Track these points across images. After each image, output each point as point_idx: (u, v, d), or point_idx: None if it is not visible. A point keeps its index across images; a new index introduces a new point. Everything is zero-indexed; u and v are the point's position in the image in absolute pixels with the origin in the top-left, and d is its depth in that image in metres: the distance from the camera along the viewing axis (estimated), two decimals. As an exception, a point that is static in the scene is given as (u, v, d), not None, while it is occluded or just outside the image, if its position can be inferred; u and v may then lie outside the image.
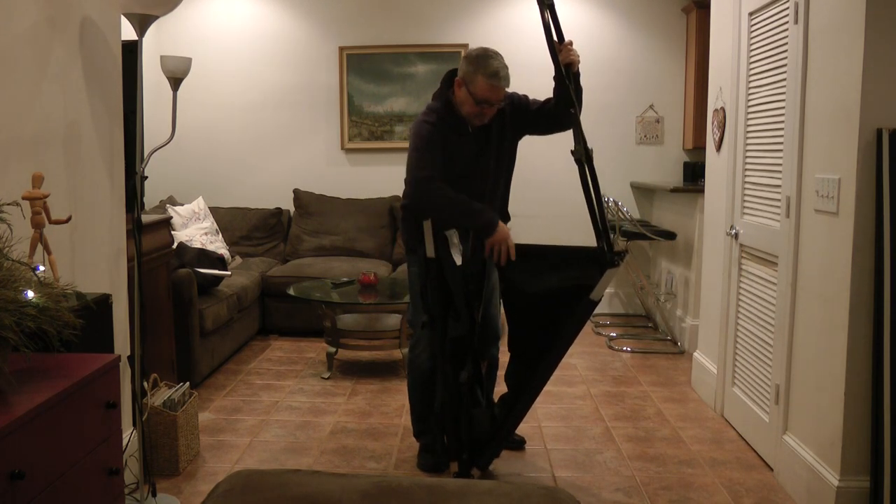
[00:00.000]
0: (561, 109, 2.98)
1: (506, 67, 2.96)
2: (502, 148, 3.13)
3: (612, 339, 5.39)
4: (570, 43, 2.95)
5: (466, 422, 3.02)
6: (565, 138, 3.01)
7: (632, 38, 6.13)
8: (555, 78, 2.96)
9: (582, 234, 6.19)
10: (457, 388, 3.00)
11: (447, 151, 3.00)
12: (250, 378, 4.51)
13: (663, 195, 5.74)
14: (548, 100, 3.12)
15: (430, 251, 2.97)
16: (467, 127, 3.05)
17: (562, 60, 2.91)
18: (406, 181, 3.07)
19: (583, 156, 2.79)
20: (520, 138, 3.20)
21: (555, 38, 2.93)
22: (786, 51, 3.15)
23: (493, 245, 2.92)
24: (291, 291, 4.75)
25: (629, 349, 5.16)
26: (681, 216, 5.32)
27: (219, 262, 4.80)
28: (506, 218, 3.20)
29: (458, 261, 2.99)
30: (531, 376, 2.92)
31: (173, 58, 2.84)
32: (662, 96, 6.15)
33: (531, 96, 3.19)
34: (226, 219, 6.01)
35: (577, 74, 2.98)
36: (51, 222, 2.22)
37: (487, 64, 2.92)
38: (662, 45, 6.12)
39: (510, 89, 3.09)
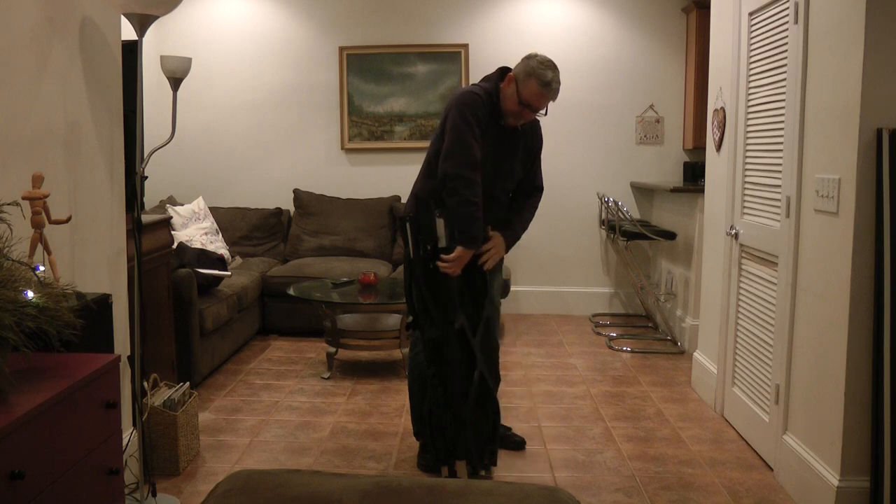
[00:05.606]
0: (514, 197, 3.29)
1: (559, 83, 3.05)
2: (518, 160, 3.22)
3: (612, 339, 5.39)
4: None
5: (451, 424, 3.02)
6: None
7: (632, 38, 6.13)
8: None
9: (582, 232, 6.21)
10: (440, 390, 3.01)
11: (483, 133, 3.08)
12: (250, 378, 4.51)
13: (663, 195, 5.74)
14: (524, 192, 3.33)
15: (412, 251, 2.99)
16: (502, 120, 3.13)
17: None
18: (442, 159, 3.00)
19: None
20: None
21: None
22: (786, 51, 3.15)
23: (485, 254, 3.07)
24: (291, 291, 4.74)
25: (629, 349, 5.16)
26: (681, 216, 5.32)
27: (219, 262, 4.80)
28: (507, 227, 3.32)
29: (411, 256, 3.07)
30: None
31: (173, 58, 2.83)
32: (662, 96, 6.14)
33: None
34: (226, 219, 6.01)
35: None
36: (51, 222, 2.22)
37: (544, 72, 3.01)
38: (662, 45, 6.12)
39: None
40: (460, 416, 3.01)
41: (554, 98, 3.07)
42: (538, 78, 3.00)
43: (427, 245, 3.00)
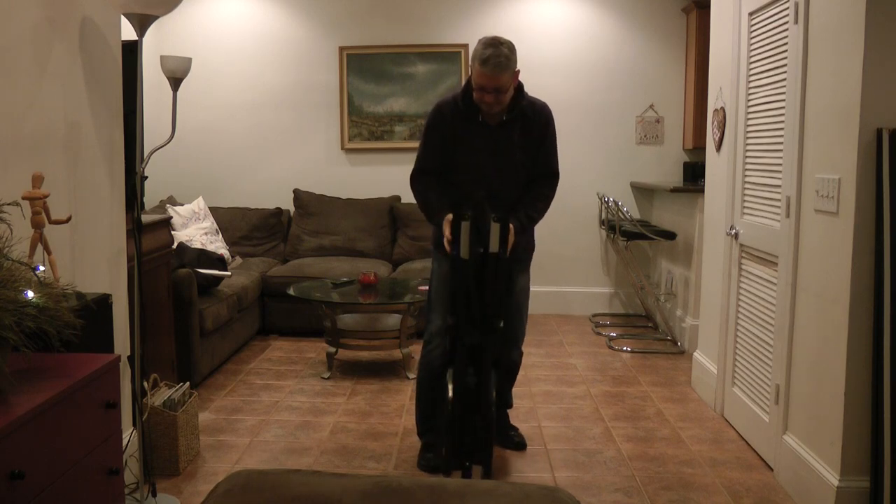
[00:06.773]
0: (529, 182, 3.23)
1: (500, 56, 2.92)
2: (518, 148, 3.15)
3: (612, 339, 5.39)
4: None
5: (471, 428, 2.99)
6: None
7: (632, 38, 6.13)
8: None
9: (582, 232, 6.21)
10: (463, 394, 2.98)
11: (456, 135, 3.12)
12: (250, 378, 4.51)
13: (663, 195, 5.74)
14: (535, 179, 3.26)
15: (465, 252, 2.91)
16: (479, 117, 3.10)
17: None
18: None
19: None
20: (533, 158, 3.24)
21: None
22: (786, 51, 3.15)
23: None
24: (291, 291, 4.75)
25: (629, 349, 5.16)
26: (681, 216, 5.32)
27: (219, 262, 4.80)
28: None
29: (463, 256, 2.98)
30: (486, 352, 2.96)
31: (173, 58, 2.84)
32: (662, 96, 6.14)
33: (553, 121, 3.32)
34: (226, 219, 6.01)
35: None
36: (51, 222, 2.22)
37: (482, 51, 2.97)
38: (662, 45, 6.12)
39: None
40: (488, 421, 2.94)
41: (499, 72, 2.92)
42: (478, 58, 2.97)
43: (481, 249, 2.93)
